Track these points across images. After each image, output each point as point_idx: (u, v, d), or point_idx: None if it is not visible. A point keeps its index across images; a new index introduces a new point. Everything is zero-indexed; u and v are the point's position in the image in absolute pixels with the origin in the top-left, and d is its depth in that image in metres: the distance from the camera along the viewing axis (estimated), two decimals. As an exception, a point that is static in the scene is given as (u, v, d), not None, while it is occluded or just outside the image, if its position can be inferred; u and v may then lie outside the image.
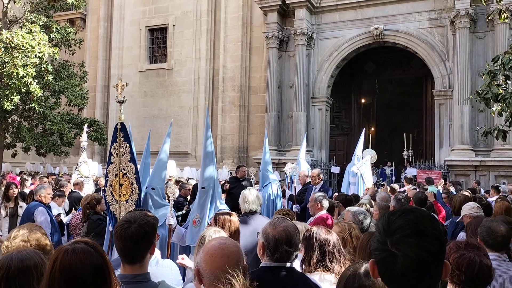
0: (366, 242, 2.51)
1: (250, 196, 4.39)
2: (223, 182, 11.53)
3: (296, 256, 2.46)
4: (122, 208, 4.73)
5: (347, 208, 4.15)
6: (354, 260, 2.80)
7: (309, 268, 2.66)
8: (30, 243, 2.49)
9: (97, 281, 1.54)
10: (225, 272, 1.75)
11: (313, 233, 2.73)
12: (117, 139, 4.74)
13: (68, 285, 1.49)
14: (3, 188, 7.37)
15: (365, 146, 11.95)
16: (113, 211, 4.84)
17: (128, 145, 4.72)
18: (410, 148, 15.41)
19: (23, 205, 6.69)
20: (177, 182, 10.75)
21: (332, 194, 7.76)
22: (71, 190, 8.29)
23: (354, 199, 6.52)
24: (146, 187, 5.08)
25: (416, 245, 1.24)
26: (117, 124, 4.78)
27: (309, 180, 8.34)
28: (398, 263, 1.25)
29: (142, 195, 4.89)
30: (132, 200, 4.72)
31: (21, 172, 16.02)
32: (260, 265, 2.42)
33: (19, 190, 7.55)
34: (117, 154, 4.74)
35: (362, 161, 9.91)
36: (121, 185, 4.75)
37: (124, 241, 2.13)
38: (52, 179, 11.56)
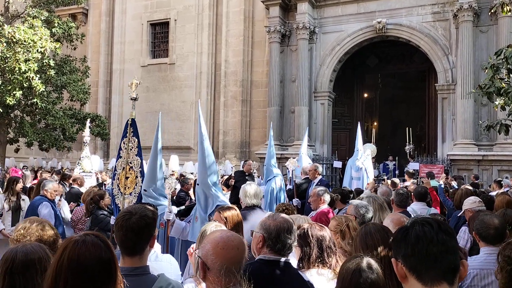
0: (360, 233, 2.51)
1: (251, 190, 4.41)
2: (227, 177, 11.57)
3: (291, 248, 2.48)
4: (126, 200, 4.78)
5: (350, 202, 4.15)
6: (351, 251, 2.83)
7: (307, 265, 2.68)
8: (47, 233, 2.52)
9: (104, 275, 1.54)
10: (236, 263, 1.77)
11: (308, 231, 2.73)
12: (127, 134, 4.83)
13: (74, 276, 1.49)
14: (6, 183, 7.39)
15: (367, 141, 11.94)
16: (118, 204, 4.89)
17: (136, 139, 4.83)
18: (411, 142, 15.38)
19: (25, 199, 6.71)
20: (181, 176, 10.77)
21: (330, 189, 7.80)
22: (70, 185, 8.30)
23: (355, 193, 6.54)
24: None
25: (431, 224, 1.41)
26: (128, 120, 4.86)
27: (306, 175, 8.37)
28: (412, 230, 1.40)
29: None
30: (135, 193, 4.78)
31: (23, 167, 16.08)
32: (257, 258, 2.42)
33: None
34: (126, 148, 4.83)
35: (365, 156, 9.90)
36: (127, 178, 4.83)
37: (126, 232, 2.14)
38: (58, 176, 11.59)
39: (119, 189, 4.89)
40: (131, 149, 4.86)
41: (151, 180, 5.08)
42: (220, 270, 1.75)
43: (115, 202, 4.98)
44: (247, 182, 5.11)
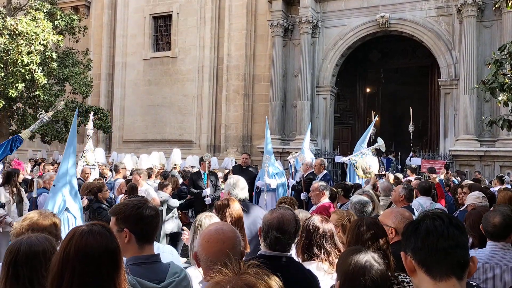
0: (354, 226, 2.53)
1: (240, 183, 4.20)
2: (227, 171, 11.61)
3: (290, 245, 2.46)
4: None
5: (350, 198, 4.17)
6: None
7: (302, 255, 2.69)
8: (49, 221, 2.54)
9: (110, 264, 1.55)
10: (220, 257, 1.77)
11: (306, 220, 2.77)
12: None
13: (81, 265, 1.50)
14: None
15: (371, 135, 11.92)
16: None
17: None
18: (412, 123, 15.47)
19: (21, 190, 6.75)
20: (183, 171, 10.81)
21: (333, 184, 7.83)
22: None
23: (355, 188, 6.55)
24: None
25: (442, 219, 1.41)
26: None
27: (312, 170, 8.38)
28: (423, 223, 1.40)
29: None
30: None
31: (30, 160, 16.18)
32: (258, 253, 2.40)
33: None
34: None
35: (363, 151, 9.88)
36: None
37: (146, 220, 2.14)
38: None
39: None
40: None
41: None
42: (206, 262, 1.83)
43: None
44: (234, 175, 4.95)
